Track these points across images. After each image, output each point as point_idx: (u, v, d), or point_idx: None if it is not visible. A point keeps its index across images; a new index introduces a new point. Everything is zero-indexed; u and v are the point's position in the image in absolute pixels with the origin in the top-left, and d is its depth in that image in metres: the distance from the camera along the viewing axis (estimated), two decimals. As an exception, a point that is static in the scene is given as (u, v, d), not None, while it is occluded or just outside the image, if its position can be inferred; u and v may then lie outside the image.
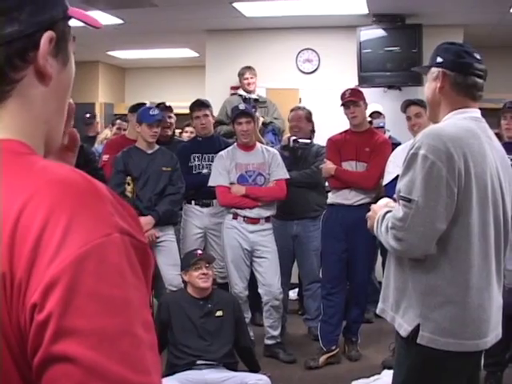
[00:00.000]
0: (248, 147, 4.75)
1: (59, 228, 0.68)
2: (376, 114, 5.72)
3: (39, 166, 0.75)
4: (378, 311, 2.36)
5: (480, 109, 2.28)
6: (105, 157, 5.33)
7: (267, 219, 4.73)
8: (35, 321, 0.66)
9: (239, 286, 4.66)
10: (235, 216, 4.67)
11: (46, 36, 0.79)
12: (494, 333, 2.20)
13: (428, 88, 2.30)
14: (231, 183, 4.67)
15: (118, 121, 6.95)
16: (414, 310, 2.12)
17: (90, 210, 0.71)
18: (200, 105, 5.16)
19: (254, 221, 4.66)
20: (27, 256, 0.67)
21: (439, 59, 2.26)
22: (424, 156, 2.04)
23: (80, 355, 0.65)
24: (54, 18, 0.81)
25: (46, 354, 0.66)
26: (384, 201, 2.37)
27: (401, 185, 2.12)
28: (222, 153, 4.77)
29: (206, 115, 5.12)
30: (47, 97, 0.82)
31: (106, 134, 7.33)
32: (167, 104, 5.86)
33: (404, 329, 2.14)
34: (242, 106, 4.87)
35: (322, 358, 4.58)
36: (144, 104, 5.62)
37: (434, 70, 2.26)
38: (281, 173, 4.73)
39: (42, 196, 0.70)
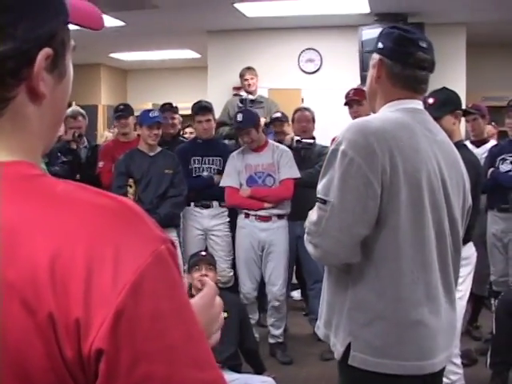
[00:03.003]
0: (258, 147, 4.72)
1: (107, 262, 0.66)
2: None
3: (60, 191, 0.72)
4: (315, 329, 2.13)
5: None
6: (100, 163, 5.16)
7: (280, 217, 4.69)
8: (105, 358, 0.65)
9: (247, 287, 4.66)
10: (247, 215, 4.68)
11: (42, 54, 0.73)
12: (445, 354, 1.90)
13: (368, 76, 2.02)
14: (241, 184, 4.67)
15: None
16: (344, 327, 1.86)
17: (129, 233, 0.69)
18: (203, 109, 5.05)
19: (265, 219, 4.65)
20: (80, 296, 0.65)
21: (380, 45, 1.96)
22: (343, 152, 1.77)
23: (157, 373, 0.67)
24: (52, 30, 0.75)
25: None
26: None
27: (319, 185, 1.86)
28: (234, 153, 4.78)
29: (209, 120, 5.03)
30: (42, 113, 0.77)
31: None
32: (174, 105, 5.79)
33: (337, 350, 1.90)
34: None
35: None
36: (120, 106, 5.47)
37: (375, 57, 1.97)
38: (288, 172, 4.68)
39: (77, 231, 0.68)
